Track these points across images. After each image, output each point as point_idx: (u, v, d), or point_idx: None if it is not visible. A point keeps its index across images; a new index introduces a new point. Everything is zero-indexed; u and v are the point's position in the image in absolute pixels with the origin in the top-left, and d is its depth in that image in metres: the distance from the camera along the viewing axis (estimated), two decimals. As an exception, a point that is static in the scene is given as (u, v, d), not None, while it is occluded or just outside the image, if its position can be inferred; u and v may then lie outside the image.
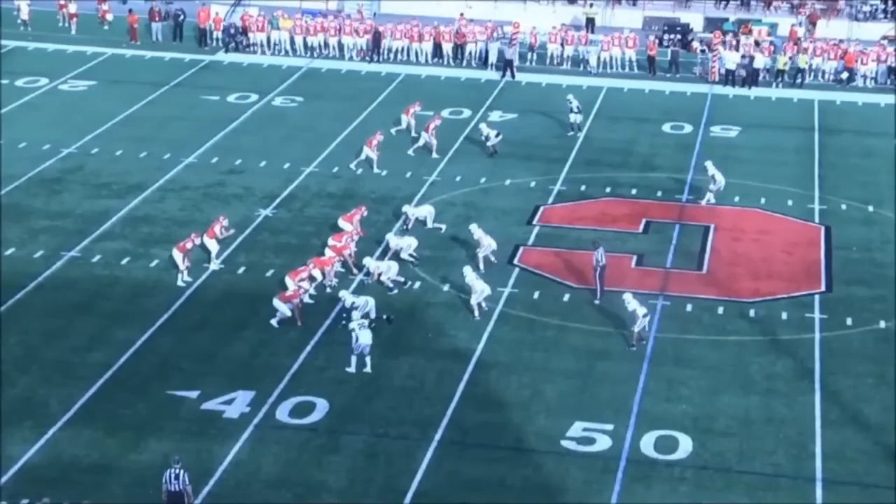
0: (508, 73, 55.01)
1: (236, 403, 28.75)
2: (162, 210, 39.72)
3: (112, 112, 49.02)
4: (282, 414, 28.48)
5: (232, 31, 58.91)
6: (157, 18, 60.05)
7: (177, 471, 24.13)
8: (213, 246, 35.82)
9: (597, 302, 33.96)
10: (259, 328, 32.30)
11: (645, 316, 31.31)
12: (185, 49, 58.71)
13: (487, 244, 35.53)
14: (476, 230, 35.86)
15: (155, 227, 38.36)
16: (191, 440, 27.25)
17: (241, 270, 35.59)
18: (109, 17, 62.08)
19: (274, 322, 32.16)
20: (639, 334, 31.53)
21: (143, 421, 28.00)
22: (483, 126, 45.71)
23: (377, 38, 57.48)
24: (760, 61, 55.24)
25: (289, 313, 32.27)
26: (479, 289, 33.12)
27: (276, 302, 32.39)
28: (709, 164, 41.12)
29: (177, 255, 34.92)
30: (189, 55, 57.82)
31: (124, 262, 35.97)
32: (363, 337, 29.82)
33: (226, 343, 31.61)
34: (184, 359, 30.77)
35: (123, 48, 58.54)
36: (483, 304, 33.35)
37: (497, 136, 44.90)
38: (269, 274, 35.34)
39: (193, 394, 29.12)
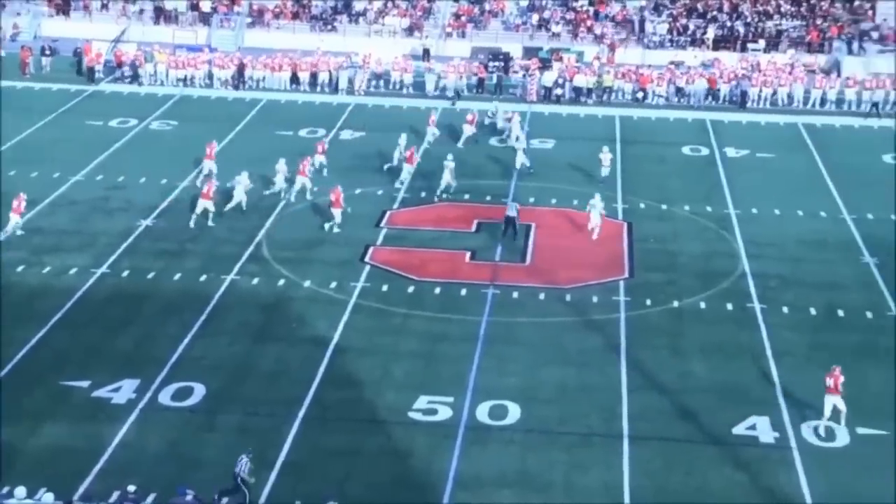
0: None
1: (123, 390, 28.17)
2: (53, 222, 38.63)
3: (5, 137, 47.48)
4: (164, 398, 27.98)
5: (128, 62, 57.68)
6: (31, 54, 58.62)
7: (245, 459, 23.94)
8: (210, 206, 38.23)
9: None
10: (142, 324, 31.72)
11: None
12: (72, 80, 57.22)
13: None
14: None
15: (47, 238, 37.30)
16: (83, 424, 26.64)
17: (125, 274, 34.84)
18: (2, 52, 60.11)
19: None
20: None
21: (40, 409, 27.24)
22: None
23: (242, 68, 56.87)
24: (581, 81, 56.09)
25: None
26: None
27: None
28: None
29: (301, 179, 40.65)
30: (74, 86, 56.38)
31: (20, 269, 34.89)
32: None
33: (113, 338, 30.92)
34: (75, 353, 30.04)
35: (15, 80, 56.78)
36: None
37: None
38: (150, 277, 34.69)
39: (84, 383, 28.43)
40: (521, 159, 44.42)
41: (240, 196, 39.52)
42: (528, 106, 54.73)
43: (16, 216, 36.94)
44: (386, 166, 44.29)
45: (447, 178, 41.90)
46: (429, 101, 54.97)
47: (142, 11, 67.11)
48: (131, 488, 22.91)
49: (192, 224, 38.22)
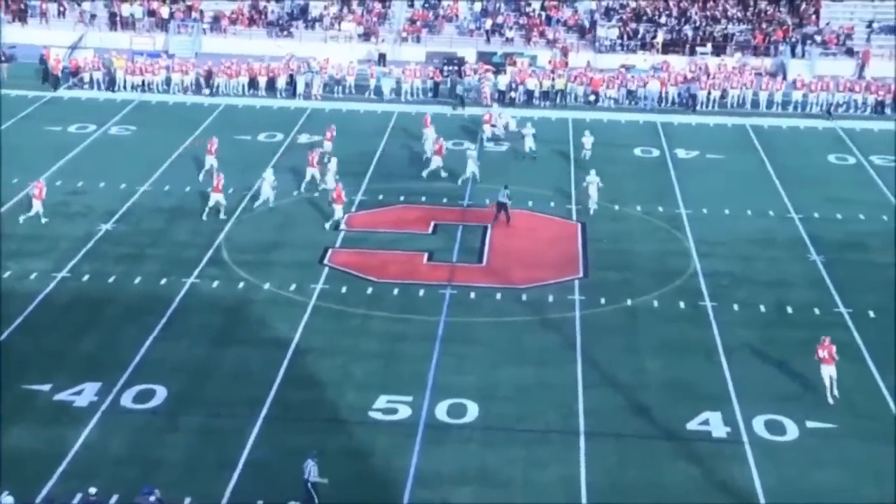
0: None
1: (85, 394, 27.89)
2: (13, 228, 38.15)
3: (-37, 143, 46.98)
4: (126, 400, 27.73)
5: (101, 68, 57.16)
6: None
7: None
8: (221, 199, 39.14)
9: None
10: (103, 327, 31.43)
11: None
12: (30, 86, 56.58)
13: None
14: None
15: (8, 243, 36.81)
16: (46, 427, 26.35)
17: (85, 278, 34.50)
18: (-43, 59, 59.38)
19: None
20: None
21: (2, 412, 26.82)
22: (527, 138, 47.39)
23: (209, 74, 56.53)
24: (532, 84, 56.30)
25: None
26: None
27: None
28: None
29: (311, 171, 41.77)
30: (32, 92, 55.78)
31: (-20, 274, 34.55)
32: None
33: (74, 341, 30.60)
34: (37, 356, 29.66)
35: (-29, 86, 56.16)
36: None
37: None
38: (110, 280, 34.37)
39: (46, 387, 28.11)
40: (529, 143, 47.18)
41: (266, 193, 40.15)
42: (483, 110, 54.58)
43: (38, 202, 38.52)
44: (425, 157, 45.31)
45: (471, 167, 43.12)
46: (385, 105, 54.89)
47: (93, 17, 66.37)
48: (92, 490, 22.71)
49: (204, 217, 38.91)
